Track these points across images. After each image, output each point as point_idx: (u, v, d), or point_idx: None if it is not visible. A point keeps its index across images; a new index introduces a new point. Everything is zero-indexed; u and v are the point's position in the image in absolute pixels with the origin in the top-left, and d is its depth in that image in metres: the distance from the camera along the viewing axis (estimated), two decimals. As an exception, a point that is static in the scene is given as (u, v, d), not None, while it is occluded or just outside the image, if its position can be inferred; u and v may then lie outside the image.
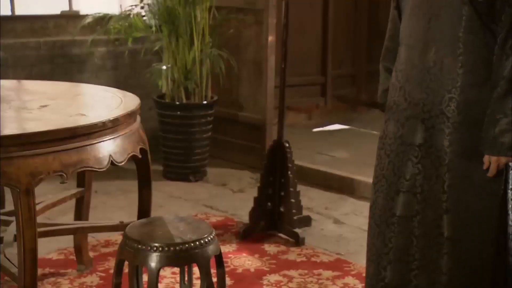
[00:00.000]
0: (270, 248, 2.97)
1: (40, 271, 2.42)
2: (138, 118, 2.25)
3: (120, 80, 4.18)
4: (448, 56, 1.81)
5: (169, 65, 3.91)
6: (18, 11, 3.82)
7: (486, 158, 1.79)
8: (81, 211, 2.64)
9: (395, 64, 1.97)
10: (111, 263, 2.66)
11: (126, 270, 1.93)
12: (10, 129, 1.84)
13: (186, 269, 2.04)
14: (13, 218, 2.29)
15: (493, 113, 1.76)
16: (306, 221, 3.19)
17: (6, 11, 3.77)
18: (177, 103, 3.94)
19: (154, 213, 2.40)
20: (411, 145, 1.89)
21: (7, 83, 2.56)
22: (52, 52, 3.92)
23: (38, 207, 2.16)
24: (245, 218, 3.19)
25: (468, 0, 1.76)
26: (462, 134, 1.81)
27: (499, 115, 1.74)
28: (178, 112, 3.91)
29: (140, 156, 2.17)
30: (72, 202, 2.67)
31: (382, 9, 5.08)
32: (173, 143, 3.94)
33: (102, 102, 2.34)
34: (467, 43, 1.78)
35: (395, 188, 1.92)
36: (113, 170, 2.38)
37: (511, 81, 1.73)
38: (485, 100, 1.78)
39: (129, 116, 2.13)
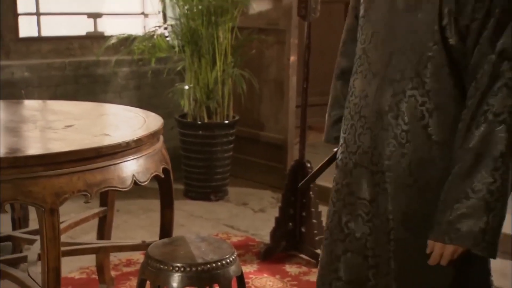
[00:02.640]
0: (291, 269, 2.95)
1: (62, 289, 2.43)
2: (161, 138, 2.27)
3: (143, 100, 4.23)
4: (407, 104, 1.44)
5: (191, 85, 3.94)
6: (44, 32, 3.89)
7: (430, 243, 1.42)
8: (103, 230, 2.65)
9: (348, 93, 1.61)
10: (133, 283, 2.67)
11: (148, 290, 1.94)
12: (35, 149, 1.86)
13: (207, 290, 2.04)
14: (37, 237, 2.31)
15: (452, 192, 1.38)
16: (328, 242, 3.16)
17: (33, 33, 3.85)
18: (199, 122, 3.96)
19: (175, 232, 2.40)
20: (361, 198, 1.54)
21: (32, 103, 2.60)
22: (77, 72, 3.98)
23: (61, 226, 2.17)
24: (266, 238, 3.18)
25: (439, 38, 1.39)
26: (411, 199, 1.45)
27: (459, 195, 1.37)
28: (200, 132, 3.93)
29: (162, 176, 2.18)
30: (95, 220, 2.69)
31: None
32: (194, 162, 3.95)
33: (125, 122, 2.36)
34: (431, 92, 1.41)
35: (341, 246, 1.59)
36: (135, 189, 2.39)
37: (478, 156, 1.35)
38: (445, 162, 1.41)
39: (152, 136, 2.14)
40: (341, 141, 1.62)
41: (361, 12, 1.58)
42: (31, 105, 2.47)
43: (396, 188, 1.47)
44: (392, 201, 1.47)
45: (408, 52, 1.44)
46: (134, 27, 4.24)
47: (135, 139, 2.01)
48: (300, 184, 2.88)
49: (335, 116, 1.75)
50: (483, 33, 1.35)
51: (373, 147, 1.51)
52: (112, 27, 4.19)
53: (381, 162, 1.49)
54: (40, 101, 2.84)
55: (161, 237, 2.30)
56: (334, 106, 1.75)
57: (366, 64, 1.53)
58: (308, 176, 2.70)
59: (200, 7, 3.77)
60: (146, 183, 2.07)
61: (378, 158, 1.50)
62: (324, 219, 3.15)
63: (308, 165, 3.08)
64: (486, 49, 1.34)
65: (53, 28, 3.97)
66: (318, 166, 1.76)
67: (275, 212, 3.18)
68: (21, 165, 1.71)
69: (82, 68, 4.01)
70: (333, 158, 1.71)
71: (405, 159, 1.45)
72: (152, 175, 2.10)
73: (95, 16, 4.14)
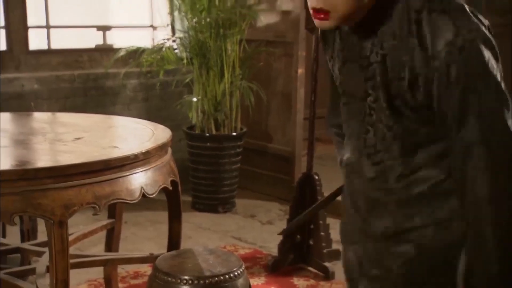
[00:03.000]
0: (299, 282, 2.94)
1: (70, 301, 2.43)
2: (169, 150, 2.27)
3: (151, 112, 4.25)
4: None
5: (199, 97, 3.96)
6: (54, 45, 3.92)
7: None
8: (111, 242, 2.65)
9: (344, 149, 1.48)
10: (140, 295, 2.67)
11: (155, 302, 1.93)
12: (45, 162, 1.87)
13: (215, 303, 2.03)
14: (45, 249, 2.32)
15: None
16: (336, 255, 3.15)
17: (43, 45, 3.88)
18: (207, 134, 3.97)
19: (183, 244, 2.40)
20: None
21: (42, 115, 2.62)
22: (86, 84, 4.00)
23: (69, 238, 2.18)
24: (274, 251, 3.17)
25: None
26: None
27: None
28: (208, 144, 3.94)
29: (170, 188, 2.19)
30: (102, 232, 2.69)
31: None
32: (202, 174, 3.96)
33: (134, 134, 2.37)
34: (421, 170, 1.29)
35: None
36: (143, 201, 2.39)
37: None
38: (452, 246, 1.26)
39: (161, 148, 2.15)
40: (344, 206, 1.48)
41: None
42: (40, 118, 2.49)
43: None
44: None
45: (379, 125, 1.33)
46: (143, 40, 4.27)
47: (143, 151, 2.02)
48: (290, 224, 2.89)
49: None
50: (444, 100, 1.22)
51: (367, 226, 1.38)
52: (121, 40, 4.22)
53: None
54: (49, 113, 2.86)
55: (169, 249, 2.30)
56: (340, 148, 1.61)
57: (349, 130, 1.43)
58: (298, 217, 2.67)
59: (208, 20, 3.79)
60: (154, 195, 2.08)
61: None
62: (332, 231, 3.15)
63: (316, 177, 3.08)
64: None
65: (62, 40, 4.00)
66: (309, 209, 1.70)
67: (283, 224, 3.18)
68: (31, 178, 1.72)
69: (91, 80, 4.03)
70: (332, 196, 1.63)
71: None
72: (160, 187, 2.10)
73: (104, 29, 4.18)
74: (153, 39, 4.40)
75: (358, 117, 1.36)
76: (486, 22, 1.22)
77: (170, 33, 4.27)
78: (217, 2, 3.80)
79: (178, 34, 4.11)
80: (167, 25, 4.30)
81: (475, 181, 1.17)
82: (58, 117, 2.76)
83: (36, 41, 3.84)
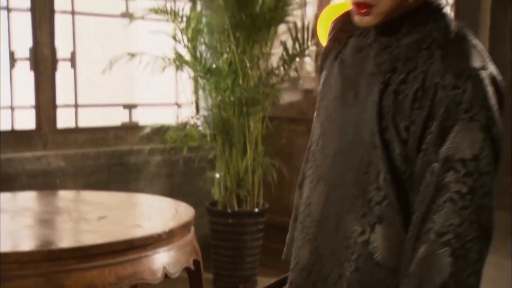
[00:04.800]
0: None
1: None
2: (192, 229, 2.28)
3: (174, 187, 4.27)
4: (348, 214, 1.22)
5: (222, 173, 3.98)
6: (81, 123, 4.03)
7: None
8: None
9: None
10: None
11: None
12: (68, 242, 1.89)
13: None
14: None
15: None
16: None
17: (71, 123, 3.98)
18: (229, 211, 3.97)
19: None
20: None
21: (67, 194, 2.66)
22: (110, 161, 4.07)
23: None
24: (297, 332, 3.08)
25: (379, 142, 1.18)
26: None
27: None
28: (230, 220, 3.93)
29: (193, 268, 2.17)
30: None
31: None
32: (223, 251, 3.92)
33: (157, 212, 2.39)
34: (372, 202, 1.19)
35: None
36: (163, 279, 2.38)
37: (417, 285, 1.10)
38: None
39: (184, 227, 2.16)
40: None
41: (315, 112, 1.40)
42: (65, 196, 2.53)
43: None
44: None
45: (349, 155, 1.24)
46: (167, 117, 4.36)
47: (167, 230, 2.03)
48: None
49: (293, 230, 1.51)
50: (425, 137, 1.13)
51: (312, 263, 1.27)
52: (146, 117, 4.32)
53: (318, 284, 1.26)
54: (74, 192, 2.90)
55: (190, 330, 2.26)
56: (294, 218, 1.52)
57: (314, 168, 1.34)
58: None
59: (232, 98, 3.87)
60: (176, 275, 2.06)
61: (316, 277, 1.26)
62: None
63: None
64: (429, 156, 1.13)
65: (90, 118, 4.11)
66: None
67: (306, 305, 3.10)
68: (55, 258, 1.73)
69: (116, 157, 4.10)
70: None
71: (342, 280, 1.21)
72: (183, 267, 2.10)
73: (130, 107, 4.28)
74: (177, 116, 4.49)
75: (348, 134, 1.27)
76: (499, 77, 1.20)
77: (194, 110, 4.36)
78: (240, 81, 3.90)
79: (202, 112, 4.20)
80: (192, 103, 4.40)
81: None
82: (83, 195, 2.80)
83: (64, 119, 3.94)
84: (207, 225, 4.02)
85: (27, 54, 3.70)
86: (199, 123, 4.15)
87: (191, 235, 2.23)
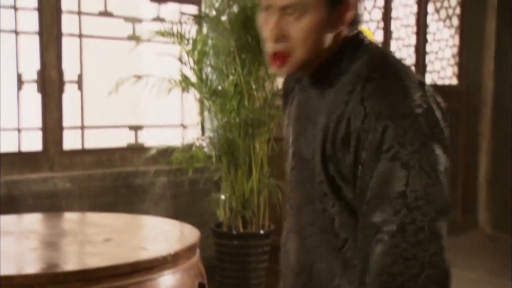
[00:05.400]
0: None
1: None
2: (198, 252, 2.27)
3: (179, 209, 4.27)
4: (319, 262, 1.22)
5: (227, 195, 3.98)
6: (87, 144, 4.04)
7: None
8: None
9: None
10: None
11: None
12: (74, 265, 1.88)
13: None
14: None
15: None
16: None
17: (77, 145, 4.00)
18: (234, 232, 3.96)
19: None
20: None
21: (72, 215, 2.66)
22: (116, 182, 4.07)
23: None
24: None
25: (330, 192, 1.18)
26: None
27: None
28: (235, 242, 3.91)
29: (198, 291, 2.17)
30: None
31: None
32: (229, 273, 3.90)
33: (162, 235, 2.38)
34: (339, 252, 1.18)
35: None
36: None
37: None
38: None
39: (189, 250, 2.16)
40: None
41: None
42: (71, 218, 2.53)
43: None
44: None
45: (308, 207, 1.23)
46: (173, 138, 4.38)
47: (172, 253, 2.02)
48: None
49: None
50: (356, 182, 1.12)
51: None
52: (152, 138, 4.33)
53: None
54: (80, 214, 2.90)
55: None
56: None
57: (288, 216, 1.33)
58: None
59: (237, 119, 3.89)
60: (181, 298, 2.05)
61: None
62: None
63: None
64: (361, 199, 1.11)
65: (96, 140, 4.12)
66: None
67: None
68: (60, 281, 1.73)
69: (122, 178, 4.11)
70: None
71: None
72: (188, 290, 2.09)
73: (136, 128, 4.30)
74: (183, 138, 4.50)
75: (302, 187, 1.25)
76: (443, 104, 1.15)
77: (200, 132, 4.37)
78: (246, 103, 3.91)
79: (208, 133, 4.21)
80: (197, 124, 4.42)
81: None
82: (88, 217, 2.80)
83: (70, 141, 3.96)
84: (212, 246, 4.00)
85: (34, 76, 3.73)
86: (204, 144, 4.15)
87: (196, 257, 2.22)
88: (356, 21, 1.21)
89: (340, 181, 1.15)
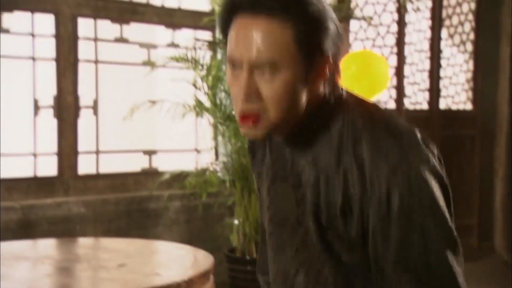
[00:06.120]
0: None
1: None
2: (212, 278, 2.26)
3: (193, 233, 4.26)
4: None
5: (241, 220, 3.97)
6: (102, 169, 4.06)
7: None
8: None
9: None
10: None
11: None
12: (88, 291, 1.88)
13: None
14: None
15: None
16: None
17: (91, 169, 4.02)
18: (248, 257, 3.93)
19: None
20: None
21: (86, 241, 2.66)
22: (130, 207, 4.08)
23: None
24: None
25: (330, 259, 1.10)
26: None
27: None
28: (249, 267, 3.89)
29: (212, 318, 2.15)
30: None
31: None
32: (243, 300, 3.87)
33: (176, 260, 2.38)
34: None
35: None
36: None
37: None
38: None
39: (203, 276, 2.15)
40: None
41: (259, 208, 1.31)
42: (85, 243, 2.53)
43: None
44: None
45: (301, 272, 1.14)
46: (186, 162, 4.39)
47: (186, 279, 2.02)
48: None
49: None
50: (369, 251, 1.05)
51: None
52: (165, 162, 4.35)
53: None
54: (94, 239, 2.91)
55: None
56: None
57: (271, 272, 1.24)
58: None
59: (251, 144, 3.89)
60: (195, 326, 2.04)
61: None
62: None
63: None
64: (381, 267, 1.04)
65: (110, 164, 4.15)
66: None
67: None
68: (74, 308, 1.72)
69: (135, 203, 4.11)
70: None
71: None
72: (202, 317, 2.08)
73: (150, 153, 4.32)
74: (196, 162, 4.51)
75: (287, 253, 1.15)
76: (436, 151, 1.07)
77: (213, 156, 4.38)
78: (259, 128, 3.92)
79: (222, 158, 4.21)
80: (211, 149, 4.43)
81: None
82: (102, 242, 2.81)
83: (85, 165, 3.99)
84: (226, 272, 3.98)
85: (51, 102, 3.77)
86: (218, 169, 4.16)
87: (210, 283, 2.21)
88: (334, 76, 1.09)
89: (338, 247, 1.07)
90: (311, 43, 1.03)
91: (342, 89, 1.12)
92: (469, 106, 5.52)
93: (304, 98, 1.06)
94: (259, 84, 1.03)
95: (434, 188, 1.01)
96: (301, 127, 1.09)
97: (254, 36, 1.02)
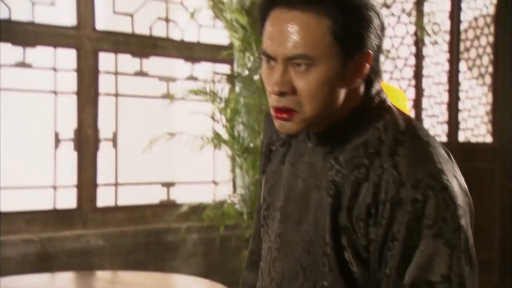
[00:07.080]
0: None
1: None
2: (229, 314, 2.24)
3: (210, 266, 4.24)
4: None
5: (258, 253, 3.94)
6: (120, 201, 4.08)
7: None
8: None
9: None
10: None
11: None
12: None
13: None
14: None
15: None
16: None
17: (110, 202, 4.04)
18: (266, 292, 3.89)
19: None
20: None
21: (104, 274, 2.66)
22: (148, 239, 4.08)
23: None
24: None
25: (334, 261, 1.06)
26: None
27: None
28: (267, 302, 3.85)
29: None
30: None
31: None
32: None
33: (194, 295, 2.36)
34: None
35: None
36: None
37: None
38: None
39: (220, 312, 2.13)
40: None
41: (261, 220, 1.24)
42: (103, 277, 2.54)
43: None
44: None
45: (301, 277, 1.10)
46: (204, 194, 4.39)
47: (203, 317, 2.00)
48: None
49: None
50: (387, 259, 1.00)
51: None
52: (183, 195, 4.35)
53: None
54: (112, 272, 2.91)
55: None
56: None
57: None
58: None
59: (268, 177, 3.88)
60: None
61: None
62: None
63: None
64: (395, 281, 1.00)
65: (128, 196, 4.16)
66: None
67: None
68: None
69: (153, 235, 4.11)
70: None
71: None
72: None
73: (168, 185, 4.33)
74: (214, 195, 4.51)
75: (295, 253, 1.10)
76: (462, 180, 1.06)
77: (231, 189, 4.38)
78: (277, 161, 3.92)
79: (239, 190, 4.21)
80: (229, 181, 4.43)
81: None
82: (119, 276, 2.81)
83: (104, 198, 4.01)
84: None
85: (71, 135, 3.82)
86: (236, 201, 4.15)
87: (227, 319, 2.19)
88: (375, 74, 1.06)
89: (350, 254, 1.03)
90: (349, 36, 0.99)
91: (382, 91, 1.09)
92: (489, 139, 5.48)
93: (341, 95, 1.02)
94: (293, 78, 1.01)
95: (464, 203, 1.00)
96: (336, 126, 1.06)
97: (289, 29, 0.99)
